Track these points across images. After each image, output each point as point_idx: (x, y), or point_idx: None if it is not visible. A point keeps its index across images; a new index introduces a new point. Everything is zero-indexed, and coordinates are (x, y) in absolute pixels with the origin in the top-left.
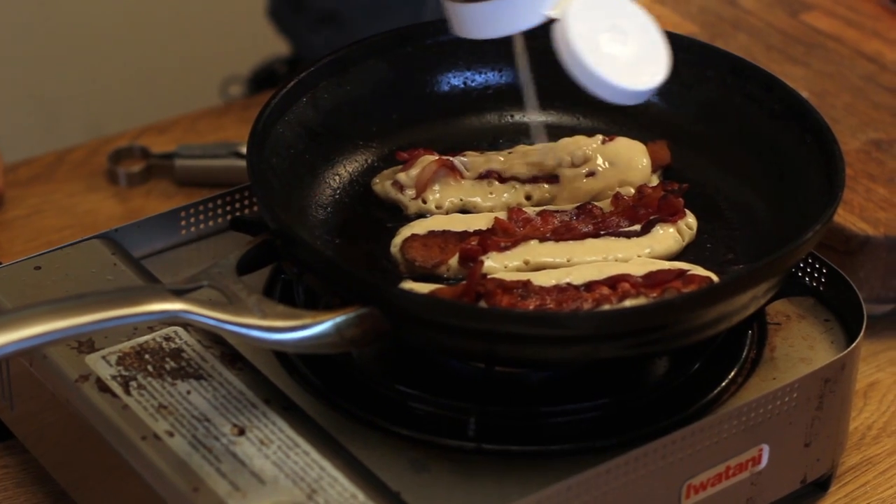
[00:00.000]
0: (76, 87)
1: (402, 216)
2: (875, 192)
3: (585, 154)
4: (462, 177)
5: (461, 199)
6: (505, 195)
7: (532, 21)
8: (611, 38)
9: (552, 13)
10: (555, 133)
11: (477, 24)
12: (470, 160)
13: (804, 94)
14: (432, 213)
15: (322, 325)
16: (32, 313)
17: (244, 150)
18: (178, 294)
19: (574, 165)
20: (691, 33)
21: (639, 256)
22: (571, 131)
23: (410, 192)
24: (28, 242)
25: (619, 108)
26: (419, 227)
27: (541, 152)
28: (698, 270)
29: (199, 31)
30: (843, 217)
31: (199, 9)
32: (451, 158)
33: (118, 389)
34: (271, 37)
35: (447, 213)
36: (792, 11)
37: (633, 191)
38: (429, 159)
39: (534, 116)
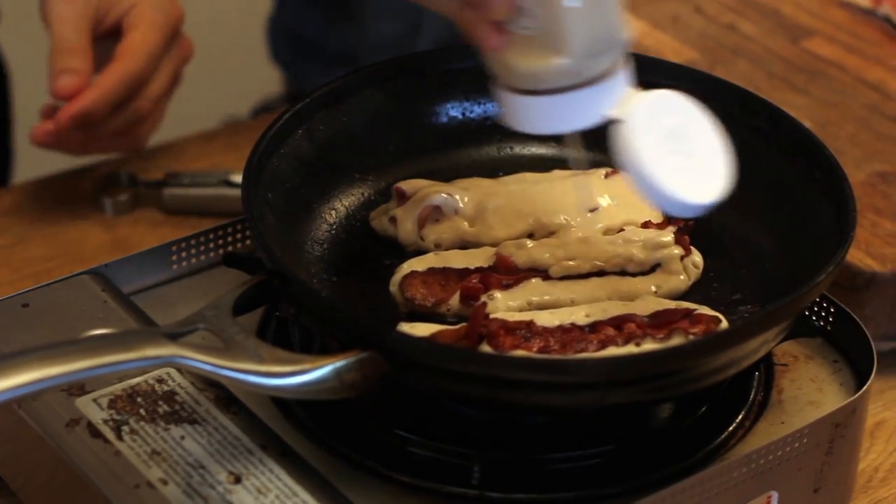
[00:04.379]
0: None
1: (400, 252)
2: (881, 227)
3: (596, 204)
4: (459, 213)
5: (460, 236)
6: (505, 231)
7: (591, 120)
8: (672, 146)
9: (613, 113)
10: (557, 167)
11: (532, 117)
12: (468, 194)
13: (806, 124)
14: (431, 250)
15: (321, 370)
16: (23, 360)
17: (234, 178)
18: (173, 338)
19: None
20: (691, 59)
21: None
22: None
23: (407, 229)
24: (14, 272)
25: None
26: (419, 264)
27: (546, 197)
28: (705, 310)
29: (199, 70)
30: (850, 253)
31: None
32: (449, 195)
33: (110, 434)
34: (272, 75)
35: (446, 250)
36: (793, 38)
37: (637, 228)
38: (425, 195)
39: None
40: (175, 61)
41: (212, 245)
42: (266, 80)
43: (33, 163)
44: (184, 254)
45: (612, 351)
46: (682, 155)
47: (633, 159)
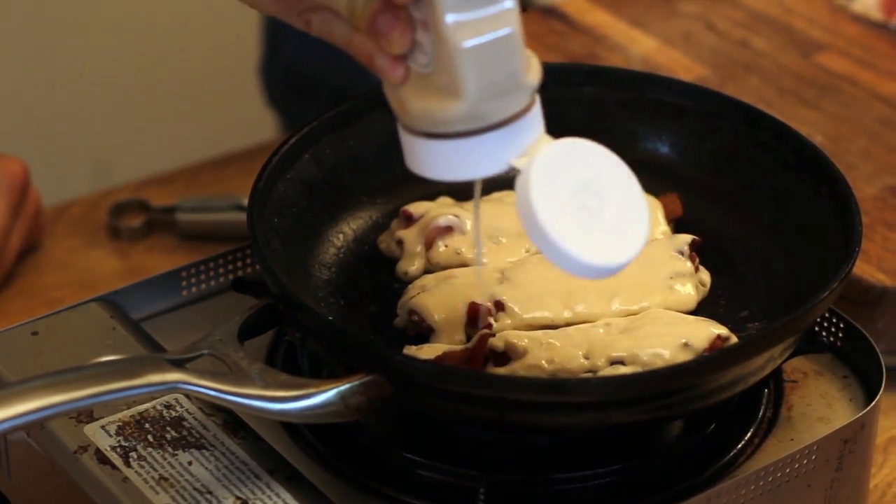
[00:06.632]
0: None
1: (407, 274)
2: (893, 241)
3: None
4: (466, 235)
5: (466, 259)
6: (510, 250)
7: (492, 168)
8: (581, 200)
9: (516, 163)
10: None
11: (430, 162)
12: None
13: (818, 139)
14: (438, 271)
15: (326, 394)
16: (29, 388)
17: (246, 202)
18: (178, 364)
19: None
20: (702, 77)
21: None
22: None
23: (414, 251)
24: (27, 301)
25: (630, 159)
26: (426, 285)
27: None
28: (714, 325)
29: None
30: (860, 268)
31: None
32: (455, 217)
33: (118, 461)
34: (266, 122)
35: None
36: (804, 53)
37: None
38: (431, 217)
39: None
40: (25, 221)
41: (221, 270)
42: (261, 128)
43: (45, 191)
44: (193, 279)
45: (619, 369)
46: (590, 212)
47: (530, 213)
